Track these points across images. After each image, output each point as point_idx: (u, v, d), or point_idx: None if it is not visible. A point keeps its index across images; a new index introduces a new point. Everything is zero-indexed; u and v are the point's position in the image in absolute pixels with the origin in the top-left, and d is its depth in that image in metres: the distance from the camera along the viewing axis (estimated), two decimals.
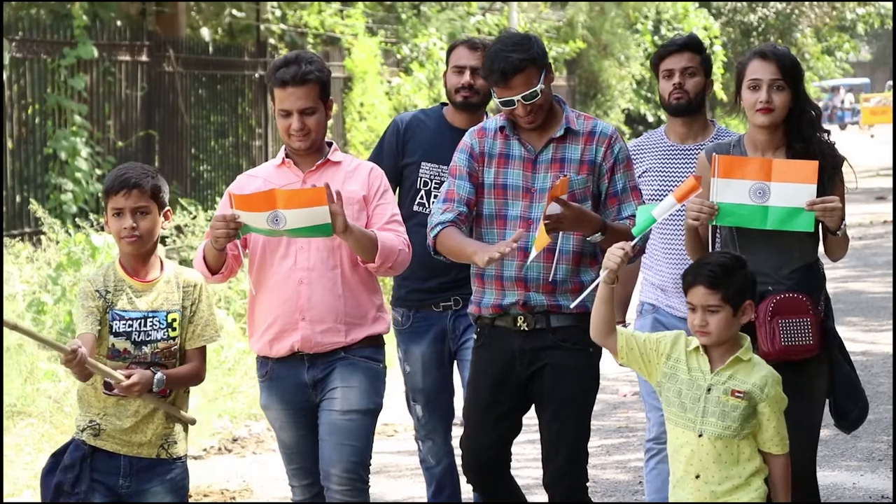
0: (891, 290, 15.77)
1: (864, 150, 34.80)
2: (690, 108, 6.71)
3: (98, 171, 15.25)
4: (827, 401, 5.90)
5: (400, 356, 7.11)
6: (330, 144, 6.10)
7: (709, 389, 5.19)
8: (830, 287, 5.94)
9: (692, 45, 6.77)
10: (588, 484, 6.01)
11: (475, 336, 6.12)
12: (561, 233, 5.77)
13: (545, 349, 5.91)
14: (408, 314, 7.02)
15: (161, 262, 5.80)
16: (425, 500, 7.30)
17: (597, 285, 5.37)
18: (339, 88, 19.22)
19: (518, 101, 5.84)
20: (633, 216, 5.85)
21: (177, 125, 16.83)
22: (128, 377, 5.54)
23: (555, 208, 5.64)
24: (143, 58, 16.66)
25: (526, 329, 5.92)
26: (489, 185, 5.96)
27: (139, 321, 5.67)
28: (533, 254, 5.65)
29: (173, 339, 5.72)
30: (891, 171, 33.12)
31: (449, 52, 7.16)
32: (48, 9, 16.86)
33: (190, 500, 8.62)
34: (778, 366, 5.62)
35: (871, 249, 18.95)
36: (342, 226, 5.70)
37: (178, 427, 5.80)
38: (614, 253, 5.27)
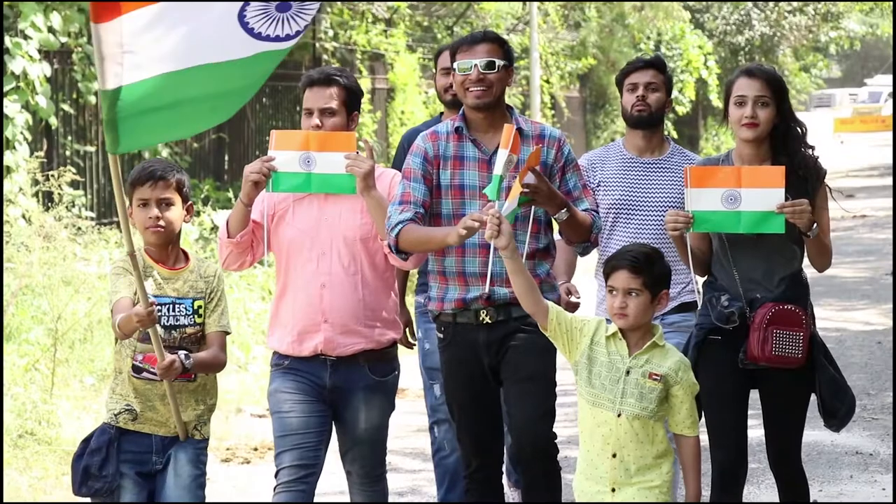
0: (860, 275, 15.93)
1: (834, 155, 34.78)
2: (651, 120, 6.25)
3: None
4: (816, 401, 5.52)
5: (420, 335, 6.54)
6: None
7: (628, 372, 4.85)
8: (808, 272, 5.66)
9: (657, 63, 6.30)
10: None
11: (440, 336, 5.62)
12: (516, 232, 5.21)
13: (508, 335, 5.44)
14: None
15: (185, 254, 5.41)
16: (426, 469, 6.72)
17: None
18: (383, 98, 19.23)
19: (475, 65, 5.41)
20: (589, 210, 5.51)
21: (244, 129, 16.82)
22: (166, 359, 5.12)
23: (531, 178, 5.21)
24: None
25: (489, 322, 5.46)
26: (446, 186, 5.49)
27: (168, 306, 5.27)
28: (507, 206, 5.01)
29: (199, 324, 5.32)
30: (858, 173, 33.10)
31: (436, 57, 6.79)
32: None
33: (254, 453, 8.65)
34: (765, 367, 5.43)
35: (842, 240, 19.04)
36: (364, 180, 5.35)
37: (208, 410, 5.42)
38: (491, 227, 4.85)
